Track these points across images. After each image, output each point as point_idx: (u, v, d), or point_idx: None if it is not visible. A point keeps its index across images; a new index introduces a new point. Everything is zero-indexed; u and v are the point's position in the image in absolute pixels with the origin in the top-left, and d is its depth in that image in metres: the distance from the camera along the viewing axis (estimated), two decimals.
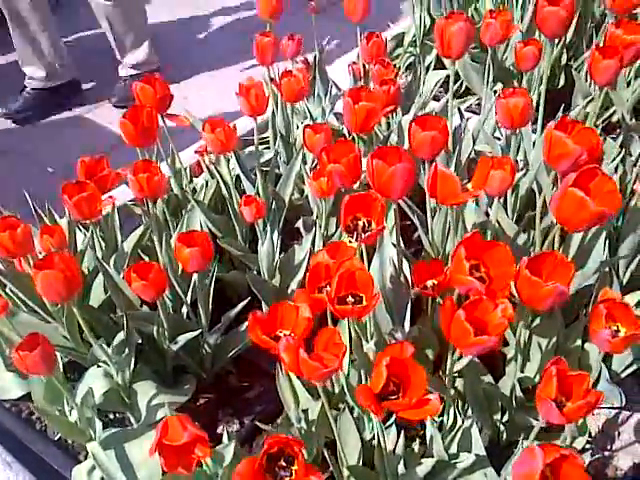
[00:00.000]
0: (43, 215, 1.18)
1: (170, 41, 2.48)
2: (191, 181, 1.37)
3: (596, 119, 1.34)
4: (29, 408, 1.10)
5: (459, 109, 1.46)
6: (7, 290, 1.08)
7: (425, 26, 1.85)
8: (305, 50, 1.44)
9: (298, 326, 0.77)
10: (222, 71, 2.31)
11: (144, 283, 0.89)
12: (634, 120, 1.49)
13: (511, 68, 1.68)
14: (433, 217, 1.11)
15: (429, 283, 0.96)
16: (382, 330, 0.97)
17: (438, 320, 0.97)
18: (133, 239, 1.18)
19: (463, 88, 1.73)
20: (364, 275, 0.77)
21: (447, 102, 1.28)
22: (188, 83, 2.24)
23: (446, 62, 1.70)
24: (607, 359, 1.00)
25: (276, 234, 1.16)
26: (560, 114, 1.32)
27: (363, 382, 0.91)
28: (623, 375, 1.01)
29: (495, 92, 1.51)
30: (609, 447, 1.00)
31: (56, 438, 1.06)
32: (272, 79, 1.34)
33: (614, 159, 1.24)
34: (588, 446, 0.98)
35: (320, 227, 1.16)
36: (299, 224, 1.30)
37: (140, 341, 1.04)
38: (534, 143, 1.29)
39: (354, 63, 1.54)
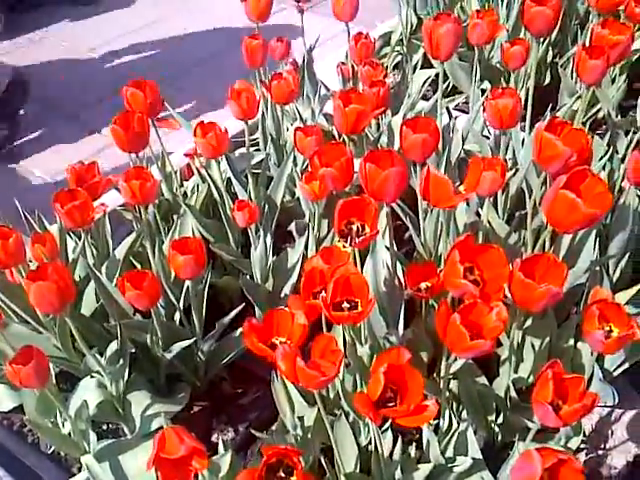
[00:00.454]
0: (33, 222, 1.17)
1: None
2: (182, 185, 1.35)
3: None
4: (21, 420, 1.08)
5: (447, 108, 1.46)
6: None
7: (412, 25, 1.85)
8: (293, 49, 1.43)
9: (294, 333, 0.76)
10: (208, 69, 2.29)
11: (138, 292, 0.88)
12: (619, 117, 1.50)
13: (498, 66, 1.69)
14: (425, 218, 1.11)
15: (422, 285, 0.96)
16: (376, 334, 0.97)
17: (432, 322, 0.97)
18: (125, 246, 1.16)
19: (450, 86, 1.73)
20: (359, 280, 0.76)
21: (436, 102, 1.28)
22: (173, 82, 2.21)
23: (434, 62, 1.70)
24: (600, 358, 1.00)
25: (269, 237, 1.16)
26: (548, 113, 1.32)
27: (358, 386, 0.91)
28: (615, 373, 1.02)
29: (483, 90, 1.51)
30: (603, 446, 1.01)
31: (49, 451, 1.05)
32: (262, 81, 1.33)
33: (602, 157, 1.25)
34: (582, 445, 0.98)
35: (313, 229, 1.16)
36: (291, 227, 1.29)
37: (133, 350, 1.03)
38: (523, 141, 1.29)
39: (343, 64, 1.54)
